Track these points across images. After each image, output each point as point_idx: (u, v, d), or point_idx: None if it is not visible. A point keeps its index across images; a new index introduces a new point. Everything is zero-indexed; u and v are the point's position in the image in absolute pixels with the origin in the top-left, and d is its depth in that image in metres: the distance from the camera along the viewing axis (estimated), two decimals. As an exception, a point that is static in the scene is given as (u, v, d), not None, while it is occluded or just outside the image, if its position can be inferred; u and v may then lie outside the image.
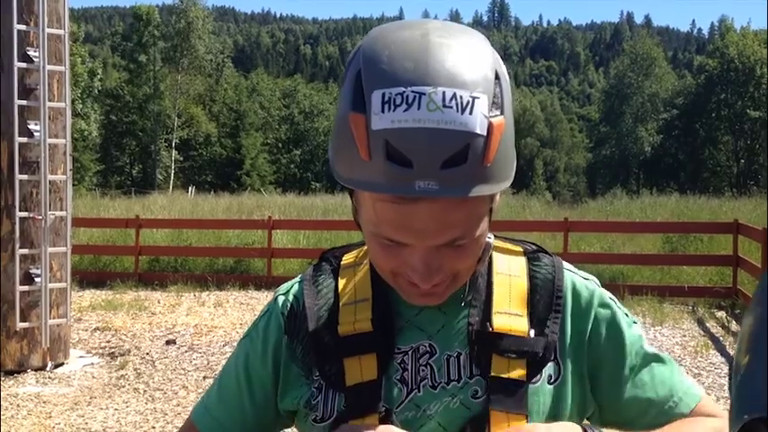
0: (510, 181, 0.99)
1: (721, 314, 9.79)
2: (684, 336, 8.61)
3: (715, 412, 1.13)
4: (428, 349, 1.08)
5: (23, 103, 6.90)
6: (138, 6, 60.20)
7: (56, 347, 7.18)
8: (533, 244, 1.18)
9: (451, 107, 0.89)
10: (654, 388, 1.12)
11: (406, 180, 0.90)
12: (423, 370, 1.07)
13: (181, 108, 55.88)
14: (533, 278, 1.12)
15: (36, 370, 7.02)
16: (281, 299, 1.18)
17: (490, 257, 1.12)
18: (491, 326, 1.06)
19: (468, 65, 0.92)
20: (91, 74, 47.87)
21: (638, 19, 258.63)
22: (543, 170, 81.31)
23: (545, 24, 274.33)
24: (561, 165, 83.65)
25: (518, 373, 1.05)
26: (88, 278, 12.08)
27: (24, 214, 6.90)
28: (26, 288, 6.93)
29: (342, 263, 1.17)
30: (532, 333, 1.07)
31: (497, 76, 0.95)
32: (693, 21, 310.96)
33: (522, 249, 1.16)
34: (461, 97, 0.90)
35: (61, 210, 7.18)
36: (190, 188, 41.49)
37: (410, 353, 1.07)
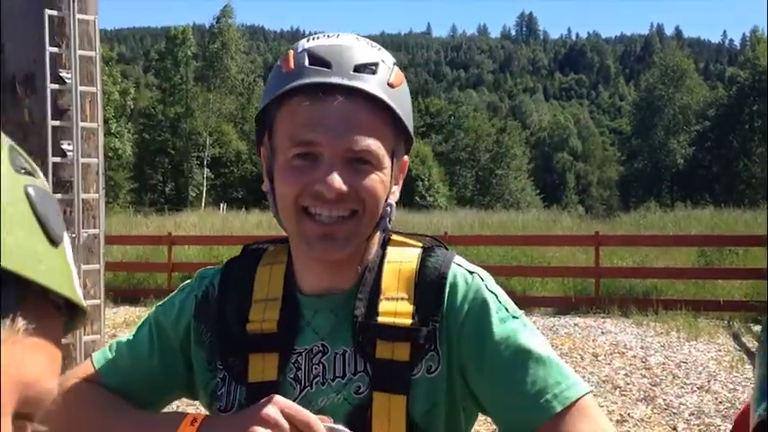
0: (411, 140, 1.16)
1: (757, 328, 9.61)
2: (720, 350, 8.48)
3: (590, 416, 1.04)
4: (321, 349, 1.14)
5: (56, 123, 7.00)
6: (174, 28, 61.07)
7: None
8: (437, 240, 1.22)
9: (364, 41, 1.13)
10: (523, 385, 1.06)
11: (325, 77, 1.05)
12: (315, 368, 1.13)
13: (212, 126, 56.43)
14: (423, 266, 1.15)
15: (70, 387, 7.08)
16: (200, 281, 1.25)
17: (384, 252, 1.18)
18: (376, 312, 1.10)
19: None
20: (123, 93, 48.57)
21: (669, 31, 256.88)
22: (575, 184, 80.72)
23: (574, 37, 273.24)
24: (594, 178, 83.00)
25: (402, 356, 1.09)
26: (122, 295, 12.22)
27: (58, 233, 6.98)
28: (60, 306, 7.00)
29: (261, 258, 1.23)
30: (415, 319, 1.10)
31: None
32: (725, 32, 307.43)
33: (421, 244, 1.20)
34: (373, 45, 1.13)
35: (94, 228, 7.27)
36: (221, 205, 41.82)
37: (304, 353, 1.14)
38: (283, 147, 1.09)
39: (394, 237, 1.22)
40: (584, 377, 7.31)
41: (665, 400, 6.71)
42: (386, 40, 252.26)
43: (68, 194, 7.10)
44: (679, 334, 9.24)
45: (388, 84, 1.09)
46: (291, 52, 1.11)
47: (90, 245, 7.31)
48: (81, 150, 7.12)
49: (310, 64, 1.07)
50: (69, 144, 7.07)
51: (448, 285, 1.13)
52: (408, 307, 1.11)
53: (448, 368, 1.11)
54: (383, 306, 1.11)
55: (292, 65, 1.09)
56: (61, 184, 7.11)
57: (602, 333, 9.42)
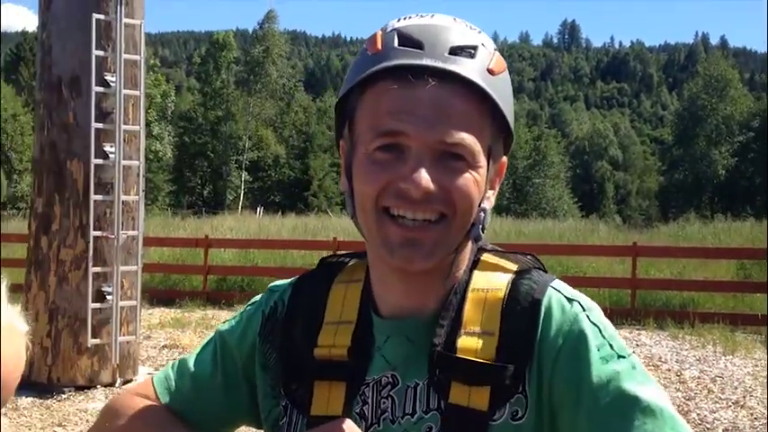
0: (511, 138, 1.02)
1: (797, 344, 9.44)
2: (756, 366, 8.33)
3: None
4: (390, 380, 1.00)
5: (100, 126, 7.15)
6: (216, 33, 61.82)
7: (125, 364, 7.37)
8: (535, 258, 1.07)
9: (462, 22, 0.99)
10: None
11: (415, 58, 0.93)
12: (384, 402, 0.99)
13: (252, 130, 56.93)
14: (513, 292, 0.99)
15: (106, 386, 7.22)
16: (269, 295, 1.13)
17: (470, 275, 1.02)
18: (455, 348, 0.96)
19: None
20: (164, 96, 49.28)
21: (714, 40, 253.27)
22: (614, 193, 79.85)
23: (617, 46, 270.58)
24: (633, 188, 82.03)
25: (479, 403, 0.94)
26: (158, 296, 12.38)
27: (98, 233, 7.14)
28: (98, 305, 7.15)
29: (337, 276, 1.09)
30: (500, 357, 0.95)
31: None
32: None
33: (515, 267, 1.04)
34: (472, 27, 1.00)
35: (133, 229, 7.41)
36: (258, 209, 42.13)
37: (372, 385, 1.00)
38: (365, 138, 0.95)
39: (485, 257, 1.06)
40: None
41: (698, 414, 6.63)
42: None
43: (109, 196, 7.25)
44: (715, 348, 9.10)
45: (488, 70, 0.95)
46: (379, 32, 0.98)
47: (129, 246, 7.44)
48: (123, 153, 7.26)
49: (400, 45, 0.94)
50: (112, 146, 7.22)
51: (542, 314, 0.97)
52: (492, 344, 0.96)
53: (537, 414, 0.95)
54: (462, 342, 0.96)
55: (379, 45, 0.96)
56: (102, 186, 7.26)
57: (637, 345, 9.32)
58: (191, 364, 1.14)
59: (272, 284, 1.14)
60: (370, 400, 1.00)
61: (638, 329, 10.34)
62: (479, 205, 0.97)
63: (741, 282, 12.39)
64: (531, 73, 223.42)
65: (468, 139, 0.92)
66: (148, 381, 1.15)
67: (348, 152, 1.00)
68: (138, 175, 7.50)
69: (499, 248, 1.08)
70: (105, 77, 7.25)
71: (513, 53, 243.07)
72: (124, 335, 7.34)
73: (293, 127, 62.81)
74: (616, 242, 17.19)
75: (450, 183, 0.93)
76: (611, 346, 0.95)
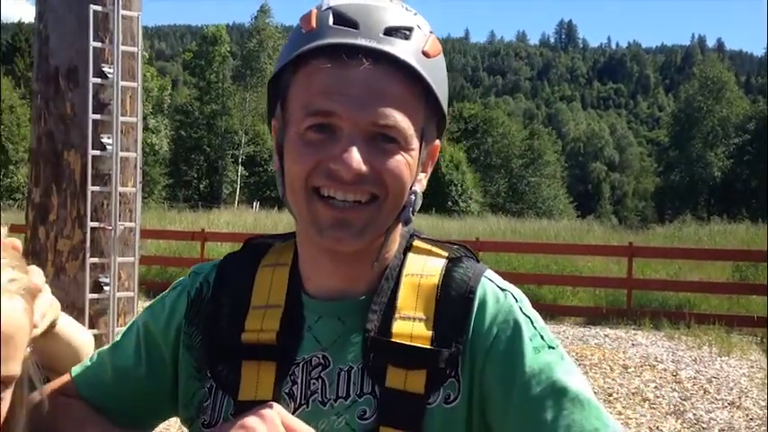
0: (444, 122, 1.00)
1: (792, 346, 9.46)
2: (752, 367, 8.35)
3: None
4: (321, 361, 0.98)
5: (97, 117, 7.10)
6: (207, 27, 61.75)
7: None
8: (466, 249, 1.06)
9: (398, 3, 0.97)
10: (555, 428, 0.91)
11: (350, 38, 0.91)
12: (314, 383, 0.98)
13: (248, 125, 56.89)
14: (447, 279, 0.99)
15: (101, 376, 7.18)
16: (193, 277, 1.09)
17: (404, 259, 1.02)
18: (390, 332, 0.96)
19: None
20: (161, 90, 49.20)
21: (711, 42, 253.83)
22: (610, 194, 79.99)
23: (614, 46, 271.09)
24: (629, 189, 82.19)
25: (415, 386, 0.94)
26: (155, 288, 12.35)
27: (95, 224, 7.09)
28: (95, 296, 7.11)
29: (263, 258, 1.06)
30: (435, 342, 0.95)
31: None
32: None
33: (447, 254, 1.04)
34: (408, 9, 0.98)
35: (130, 221, 7.36)
36: (254, 203, 42.12)
37: (302, 364, 0.98)
38: (296, 117, 0.94)
39: (417, 243, 1.05)
40: (612, 389, 7.26)
41: (695, 414, 6.63)
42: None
43: (106, 187, 7.20)
44: (711, 349, 9.12)
45: (423, 52, 0.93)
46: (314, 10, 0.96)
47: (126, 238, 7.40)
48: (120, 144, 7.22)
49: (335, 23, 0.92)
50: (109, 138, 7.17)
51: (476, 303, 0.98)
52: (426, 329, 0.96)
53: (468, 398, 0.96)
54: (398, 326, 0.96)
55: (314, 23, 0.94)
56: (100, 177, 7.21)
57: (633, 345, 9.33)
58: (111, 355, 1.10)
59: (195, 267, 1.12)
60: (299, 380, 0.98)
61: (634, 329, 10.35)
62: (411, 188, 0.96)
63: (737, 283, 12.42)
64: (527, 72, 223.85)
65: (401, 121, 0.91)
66: (67, 375, 1.10)
67: (280, 131, 0.98)
68: (136, 166, 7.46)
69: (430, 237, 1.08)
70: (103, 69, 7.19)
71: (510, 52, 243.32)
72: (121, 325, 7.29)
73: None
74: (612, 242, 17.22)
75: (381, 164, 0.92)
76: (541, 337, 0.97)
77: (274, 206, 39.30)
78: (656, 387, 7.41)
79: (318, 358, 0.98)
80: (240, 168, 56.76)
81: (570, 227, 24.05)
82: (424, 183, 1.02)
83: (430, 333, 0.95)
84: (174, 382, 1.07)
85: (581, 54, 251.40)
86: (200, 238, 13.21)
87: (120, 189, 7.33)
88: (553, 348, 0.96)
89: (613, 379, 7.66)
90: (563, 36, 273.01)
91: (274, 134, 1.01)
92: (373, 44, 0.90)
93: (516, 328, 0.96)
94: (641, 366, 8.18)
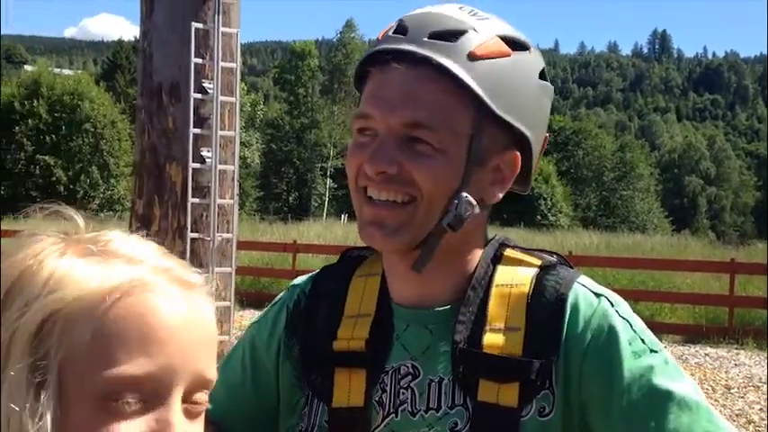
0: (523, 134, 0.95)
1: None
2: None
3: None
4: (410, 371, 0.98)
5: (198, 131, 7.32)
6: (296, 42, 63.02)
7: (219, 363, 7.52)
8: (560, 257, 1.03)
9: (467, 9, 0.98)
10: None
11: (395, 43, 0.93)
12: (403, 393, 0.97)
13: (336, 138, 57.65)
14: (538, 287, 0.97)
15: (200, 383, 7.35)
16: (292, 290, 1.13)
17: (493, 269, 1.00)
18: (480, 344, 0.94)
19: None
20: (253, 105, 50.40)
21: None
22: (707, 209, 77.41)
23: (710, 56, 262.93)
24: (728, 203, 79.34)
25: (508, 400, 0.92)
26: (249, 298, 12.62)
27: (195, 235, 7.30)
28: (193, 305, 7.29)
29: (357, 269, 1.08)
30: (527, 353, 0.93)
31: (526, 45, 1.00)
32: None
33: (539, 262, 1.01)
34: (475, 14, 0.98)
35: (228, 232, 7.54)
36: (342, 216, 42.59)
37: (390, 373, 0.99)
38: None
39: (508, 252, 1.03)
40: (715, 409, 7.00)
41: (804, 440, 6.32)
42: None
43: (205, 199, 7.41)
44: (820, 370, 8.67)
45: (470, 53, 0.91)
46: (391, 24, 1.00)
47: (223, 248, 7.59)
48: (219, 157, 7.42)
49: (394, 32, 0.96)
50: (209, 151, 7.38)
51: (568, 309, 0.95)
52: (518, 341, 0.94)
53: (564, 410, 0.93)
54: (488, 338, 0.95)
55: (380, 34, 0.98)
56: (199, 189, 7.43)
57: (736, 365, 8.96)
58: (221, 372, 1.07)
59: (293, 281, 1.15)
60: (388, 389, 0.99)
61: (736, 348, 9.95)
62: (457, 193, 0.94)
63: None
64: (619, 83, 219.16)
65: (434, 123, 0.91)
66: None
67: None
68: (233, 179, 7.65)
69: (520, 246, 1.06)
70: (203, 84, 7.41)
71: (601, 63, 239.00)
72: (219, 334, 7.45)
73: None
74: (711, 258, 16.62)
75: (411, 165, 0.92)
76: (642, 340, 0.93)
77: (362, 219, 39.58)
78: (760, 409, 7.10)
79: (407, 367, 0.98)
80: (329, 181, 57.51)
81: (666, 242, 23.39)
82: (498, 195, 1.00)
83: (521, 344, 0.94)
84: (277, 393, 1.08)
85: (676, 64, 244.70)
86: (292, 249, 13.43)
87: (219, 201, 7.52)
88: (656, 352, 0.93)
89: (716, 400, 7.38)
90: (656, 46, 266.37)
91: None
92: (412, 47, 0.91)
93: (612, 332, 0.93)
94: (745, 387, 7.85)
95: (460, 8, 0.97)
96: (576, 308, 0.95)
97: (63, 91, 40.70)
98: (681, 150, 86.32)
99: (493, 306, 0.97)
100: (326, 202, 56.44)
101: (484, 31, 0.94)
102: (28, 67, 43.76)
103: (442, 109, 0.91)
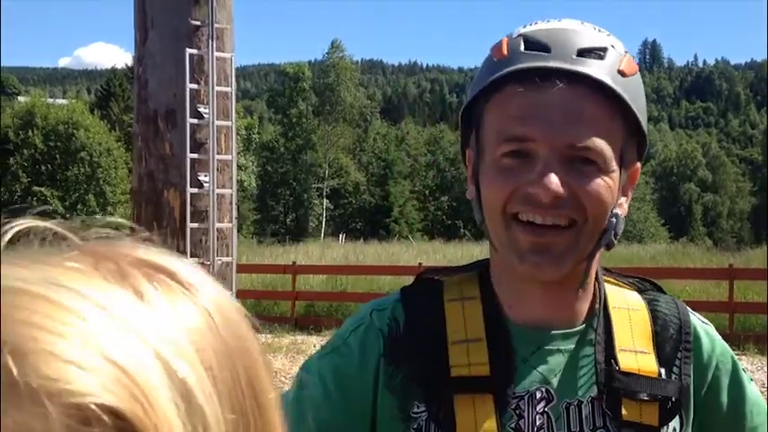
0: (645, 143, 0.99)
1: None
2: None
3: None
4: (545, 395, 0.96)
5: (195, 156, 7.36)
6: (287, 64, 63.34)
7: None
8: (645, 280, 1.07)
9: (590, 25, 0.98)
10: None
11: (542, 61, 0.91)
12: (539, 418, 0.95)
13: (331, 158, 57.74)
14: (655, 313, 1.01)
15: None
16: (377, 315, 1.03)
17: (605, 292, 1.02)
18: (617, 365, 0.96)
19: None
20: (249, 128, 50.51)
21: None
22: (703, 216, 77.50)
23: (701, 64, 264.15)
24: (724, 210, 79.44)
25: (651, 419, 0.95)
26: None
27: (194, 260, 7.31)
28: (195, 330, 7.30)
29: (445, 293, 1.02)
30: (663, 373, 0.96)
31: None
32: None
33: (632, 285, 1.06)
34: (601, 30, 0.98)
35: (227, 256, 7.57)
36: (340, 235, 42.55)
37: (526, 398, 0.96)
38: (491, 144, 0.94)
39: (605, 274, 1.07)
40: (720, 417, 6.99)
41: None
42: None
43: (204, 224, 7.44)
44: (824, 374, 8.67)
45: (619, 71, 0.92)
46: (505, 39, 0.96)
47: (223, 272, 7.61)
48: (216, 181, 7.46)
49: (526, 49, 0.92)
50: (206, 175, 7.42)
51: (692, 337, 1.01)
52: (652, 363, 0.97)
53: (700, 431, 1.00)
54: (623, 359, 0.96)
55: (505, 51, 0.94)
56: (198, 214, 7.46)
57: (739, 371, 8.96)
58: (304, 410, 0.99)
59: (373, 304, 1.06)
60: (526, 414, 0.95)
61: (737, 354, 9.88)
62: (612, 211, 0.95)
63: None
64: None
65: (598, 142, 0.90)
66: None
67: (475, 160, 0.98)
68: (231, 203, 7.68)
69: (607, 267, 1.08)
70: (199, 109, 7.46)
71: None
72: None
73: (372, 154, 63.44)
74: (710, 265, 16.65)
75: (579, 187, 0.90)
76: (744, 369, 1.05)
77: (359, 238, 39.62)
78: (766, 415, 7.10)
79: (542, 392, 0.96)
80: (325, 201, 57.53)
81: (664, 250, 23.40)
82: (626, 207, 1.01)
83: (656, 367, 0.97)
84: (372, 424, 1.00)
85: (667, 73, 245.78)
86: (292, 271, 13.43)
87: (218, 225, 7.55)
88: (753, 380, 1.05)
89: (720, 407, 7.37)
90: (647, 56, 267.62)
91: (469, 164, 1.00)
92: (566, 65, 0.89)
93: (734, 361, 1.03)
94: (749, 393, 7.85)
95: (582, 23, 0.97)
96: (698, 337, 1.02)
97: (57, 120, 40.72)
98: (676, 159, 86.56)
99: (619, 327, 0.99)
100: (324, 223, 56.41)
101: (619, 48, 0.95)
102: (21, 99, 43.73)
103: (603, 128, 0.91)
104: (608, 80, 0.90)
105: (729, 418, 1.00)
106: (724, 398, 1.00)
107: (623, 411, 0.94)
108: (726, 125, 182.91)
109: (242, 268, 13.83)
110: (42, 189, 39.22)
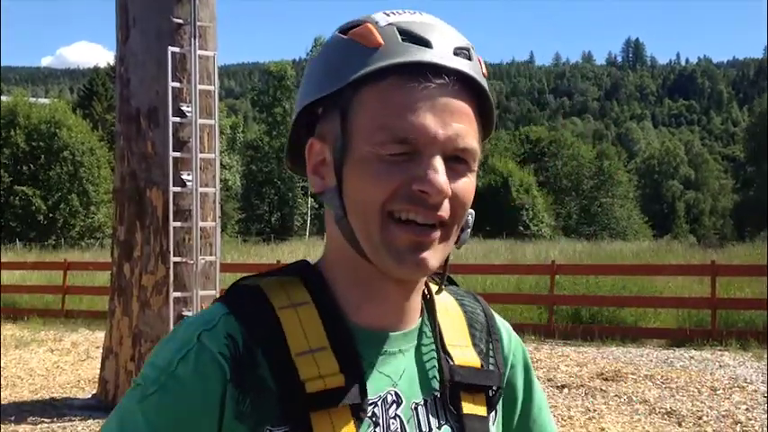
0: (489, 134, 0.97)
1: None
2: None
3: None
4: (395, 398, 0.93)
5: (177, 155, 7.33)
6: (270, 63, 63.21)
7: None
8: (439, 275, 1.01)
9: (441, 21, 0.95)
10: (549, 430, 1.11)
11: (429, 57, 0.87)
12: (393, 423, 0.93)
13: (317, 157, 57.68)
14: (463, 307, 1.03)
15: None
16: (209, 336, 0.89)
17: (431, 290, 1.01)
18: (452, 360, 0.96)
19: None
20: (233, 127, 50.34)
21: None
22: (686, 213, 78.02)
23: (683, 62, 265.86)
24: (706, 207, 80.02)
25: (482, 410, 0.97)
26: (232, 321, 12.57)
27: (178, 259, 7.29)
28: (178, 330, 7.27)
29: (270, 299, 0.93)
30: (483, 364, 0.99)
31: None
32: None
33: (433, 280, 1.02)
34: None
35: (211, 255, 7.55)
36: (325, 234, 42.55)
37: (379, 403, 0.92)
38: (371, 138, 0.87)
39: None
40: (702, 411, 7.04)
41: (791, 438, 6.37)
42: (488, 70, 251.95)
43: (187, 222, 7.41)
44: (804, 369, 8.75)
45: (483, 71, 0.92)
46: (371, 26, 0.89)
47: (207, 271, 7.58)
48: (199, 180, 7.43)
49: (404, 41, 0.88)
50: (189, 174, 7.39)
51: (496, 327, 1.04)
52: (474, 355, 0.99)
53: (503, 418, 1.05)
54: (454, 354, 0.97)
55: (380, 39, 0.88)
56: (181, 213, 7.43)
57: (720, 366, 9.02)
58: None
59: (195, 324, 0.91)
60: (381, 421, 0.92)
61: (720, 350, 10.02)
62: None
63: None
64: (595, 93, 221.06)
65: (473, 142, 0.89)
66: None
67: (337, 150, 0.90)
68: (215, 201, 7.66)
69: None
70: (181, 108, 7.43)
71: (576, 73, 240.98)
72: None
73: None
74: (692, 261, 16.77)
75: (455, 186, 0.88)
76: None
77: (345, 236, 39.51)
78: (747, 409, 7.14)
79: (392, 395, 0.93)
80: (310, 200, 57.49)
81: (648, 247, 23.55)
82: None
83: (477, 358, 0.99)
84: None
85: (650, 72, 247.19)
86: (276, 269, 13.44)
87: (201, 224, 7.51)
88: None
89: (702, 402, 7.42)
90: (630, 54, 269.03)
91: (315, 154, 0.94)
92: (453, 63, 0.87)
93: (524, 350, 1.08)
94: (731, 388, 7.90)
95: (438, 20, 0.94)
96: (498, 328, 1.05)
97: (40, 120, 40.46)
98: (659, 156, 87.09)
99: (443, 323, 0.99)
100: (309, 222, 56.37)
101: (474, 50, 0.93)
102: (4, 98, 43.37)
103: (474, 128, 0.89)
104: (483, 82, 0.90)
105: (526, 400, 1.07)
106: (520, 380, 1.06)
107: (464, 405, 0.96)
108: (708, 123, 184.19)
109: (226, 267, 13.77)
110: (24, 188, 38.94)
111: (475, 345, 0.99)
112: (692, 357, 9.63)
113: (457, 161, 0.88)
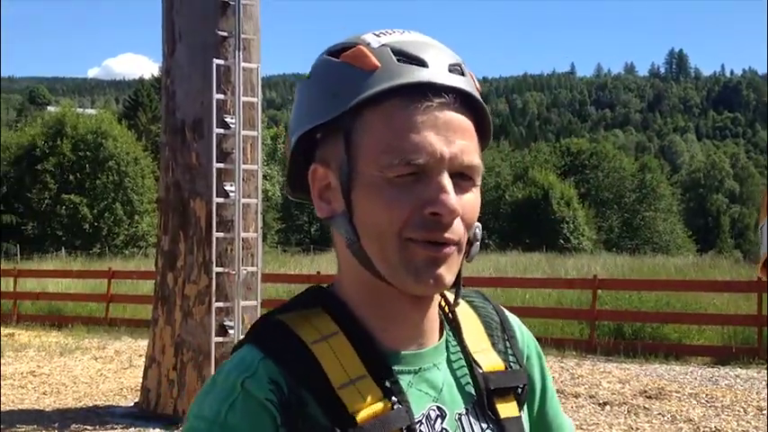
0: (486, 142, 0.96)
1: None
2: None
3: None
4: (438, 413, 0.94)
5: (221, 165, 7.42)
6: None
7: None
8: None
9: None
10: (561, 413, 1.13)
11: (427, 77, 0.88)
12: None
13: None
14: (476, 309, 1.05)
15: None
16: (252, 383, 0.89)
17: (447, 299, 1.03)
18: (480, 367, 0.98)
19: None
20: (274, 138, 50.75)
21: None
22: (730, 227, 76.64)
23: (728, 74, 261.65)
24: (752, 222, 78.46)
25: (514, 410, 1.00)
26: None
27: (220, 269, 7.36)
28: (220, 339, 7.34)
29: (299, 334, 0.92)
30: (505, 365, 1.01)
31: None
32: None
33: None
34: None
35: (252, 265, 7.61)
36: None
37: (424, 421, 0.93)
38: (377, 161, 0.87)
39: None
40: (747, 431, 6.89)
41: (842, 461, 6.19)
42: (528, 82, 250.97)
43: (230, 233, 7.47)
44: None
45: (476, 86, 0.93)
46: (364, 48, 0.90)
47: (249, 282, 7.64)
48: (242, 191, 7.50)
49: (400, 61, 0.89)
50: (232, 185, 7.46)
51: (512, 327, 1.07)
52: (497, 358, 1.01)
53: (527, 409, 1.07)
54: (480, 361, 0.99)
55: (376, 61, 0.89)
56: (224, 224, 7.50)
57: (767, 385, 8.83)
58: None
59: (235, 371, 0.90)
60: None
61: (766, 369, 9.80)
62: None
63: None
64: (637, 104, 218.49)
65: (477, 158, 0.90)
66: None
67: (343, 175, 0.90)
68: (257, 212, 7.74)
69: None
70: (225, 119, 7.53)
71: (618, 84, 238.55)
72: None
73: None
74: (738, 278, 16.43)
75: (463, 203, 0.89)
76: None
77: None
78: (795, 430, 6.98)
79: (435, 410, 0.94)
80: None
81: (691, 262, 23.14)
82: None
83: (501, 361, 1.01)
84: None
85: (694, 83, 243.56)
86: (316, 280, 13.44)
87: (243, 234, 7.57)
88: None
89: (748, 422, 7.26)
90: (674, 66, 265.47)
91: (319, 180, 0.95)
92: (451, 82, 0.88)
93: (536, 343, 1.10)
94: (779, 408, 7.73)
95: (428, 37, 0.95)
96: (511, 324, 1.06)
97: (86, 130, 41.27)
98: (704, 169, 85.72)
99: (463, 330, 1.01)
100: (348, 232, 56.42)
101: (465, 66, 0.94)
102: (51, 108, 44.33)
103: (475, 143, 0.91)
104: (479, 96, 0.91)
105: (541, 394, 1.08)
106: (536, 370, 1.07)
107: (499, 410, 0.98)
108: (753, 135, 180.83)
109: (267, 278, 13.87)
110: (71, 197, 39.71)
111: (494, 345, 1.02)
112: (737, 376, 9.44)
113: (462, 177, 0.89)
